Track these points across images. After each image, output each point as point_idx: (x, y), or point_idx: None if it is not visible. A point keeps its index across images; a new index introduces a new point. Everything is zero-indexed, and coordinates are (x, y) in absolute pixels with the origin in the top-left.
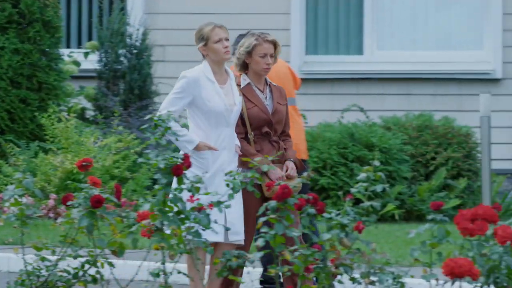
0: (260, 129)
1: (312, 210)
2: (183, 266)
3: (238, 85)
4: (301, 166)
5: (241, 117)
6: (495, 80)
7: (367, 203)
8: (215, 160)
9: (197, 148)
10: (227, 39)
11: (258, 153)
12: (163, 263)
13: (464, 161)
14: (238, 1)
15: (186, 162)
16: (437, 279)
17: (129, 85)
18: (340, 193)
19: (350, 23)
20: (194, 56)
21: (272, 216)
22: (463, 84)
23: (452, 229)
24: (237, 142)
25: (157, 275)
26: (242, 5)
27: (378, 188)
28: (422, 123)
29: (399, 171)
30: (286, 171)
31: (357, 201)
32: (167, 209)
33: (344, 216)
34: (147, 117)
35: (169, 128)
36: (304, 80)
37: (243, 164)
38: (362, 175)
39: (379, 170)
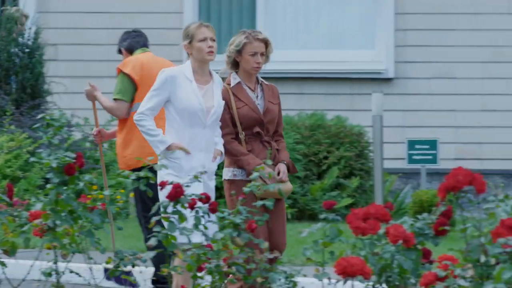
0: (251, 129)
1: (205, 209)
2: (75, 265)
3: (228, 84)
4: (293, 169)
5: (232, 117)
6: (387, 80)
7: (259, 202)
8: (189, 162)
9: (169, 149)
10: (212, 39)
11: (249, 153)
12: (55, 263)
13: (357, 160)
14: (131, 0)
15: (79, 162)
16: (329, 278)
17: (21, 84)
18: (233, 192)
19: (243, 23)
20: (86, 55)
21: (165, 215)
22: (356, 83)
23: (345, 228)
24: (219, 147)
25: (49, 274)
26: (135, 4)
27: (270, 187)
28: (314, 123)
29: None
30: (278, 174)
31: None
32: (59, 208)
33: (236, 215)
34: (39, 116)
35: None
36: None
37: (232, 163)
38: (255, 175)
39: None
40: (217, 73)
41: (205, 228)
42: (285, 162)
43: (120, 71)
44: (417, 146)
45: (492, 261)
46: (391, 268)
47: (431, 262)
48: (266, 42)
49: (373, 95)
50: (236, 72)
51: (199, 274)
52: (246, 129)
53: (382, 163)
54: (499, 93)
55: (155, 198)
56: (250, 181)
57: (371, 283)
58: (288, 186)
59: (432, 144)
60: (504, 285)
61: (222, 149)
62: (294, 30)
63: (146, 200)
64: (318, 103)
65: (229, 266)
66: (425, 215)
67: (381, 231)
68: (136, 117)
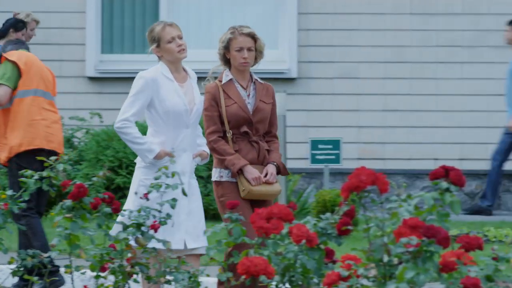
0: (239, 128)
1: (108, 209)
2: None
3: (220, 80)
4: (284, 170)
5: (220, 114)
6: (290, 80)
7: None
8: (175, 164)
9: (158, 157)
10: (180, 37)
11: (235, 153)
12: None
13: None
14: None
15: None
16: (232, 278)
17: None
18: (136, 192)
19: (146, 22)
20: None
21: (68, 215)
22: None
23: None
24: (205, 148)
25: None
26: (37, 3)
27: (174, 187)
28: None
29: (195, 169)
30: (265, 175)
31: None
32: None
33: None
34: None
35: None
36: (100, 79)
37: (219, 163)
38: (157, 174)
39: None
40: (198, 75)
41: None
42: (275, 164)
43: (5, 59)
44: (320, 146)
45: (395, 260)
46: (294, 268)
47: (334, 262)
48: (253, 37)
49: (276, 95)
50: (229, 69)
51: (102, 274)
52: (234, 128)
53: (285, 163)
54: (401, 93)
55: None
56: (236, 182)
57: (274, 283)
58: (275, 188)
59: (335, 144)
60: (406, 284)
61: (208, 150)
62: (197, 29)
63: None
64: None
65: (132, 266)
66: (328, 215)
67: (285, 231)
68: (119, 124)
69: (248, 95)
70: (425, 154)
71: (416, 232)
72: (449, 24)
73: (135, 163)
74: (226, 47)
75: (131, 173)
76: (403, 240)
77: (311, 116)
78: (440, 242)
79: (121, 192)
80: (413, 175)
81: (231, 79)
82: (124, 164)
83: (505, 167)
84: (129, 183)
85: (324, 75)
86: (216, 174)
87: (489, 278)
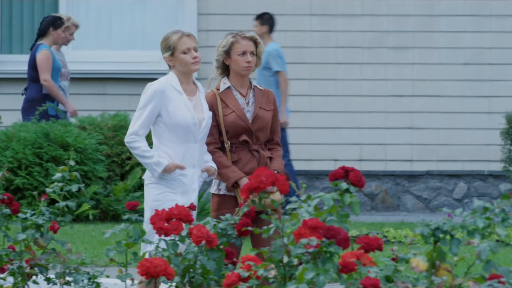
0: (238, 138)
1: (7, 211)
2: None
3: (218, 89)
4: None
5: (217, 124)
6: None
7: (62, 203)
8: (186, 179)
9: (166, 170)
10: (195, 49)
11: (232, 165)
12: None
13: None
14: None
15: None
16: (132, 279)
17: None
18: (35, 193)
19: None
20: None
21: None
22: None
23: None
24: (212, 164)
25: None
26: None
27: (74, 188)
28: (117, 123)
29: (94, 171)
30: None
31: (52, 201)
32: None
33: (39, 216)
34: None
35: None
36: None
37: (217, 176)
38: (58, 175)
39: (75, 170)
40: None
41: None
42: (276, 172)
43: None
44: None
45: (295, 261)
46: (194, 269)
47: (234, 263)
48: (255, 41)
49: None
50: (227, 77)
51: (1, 276)
52: (233, 138)
53: None
54: (301, 94)
55: None
56: (235, 196)
57: (174, 284)
58: (275, 197)
59: None
60: (306, 285)
61: (215, 166)
62: (97, 30)
63: None
64: (121, 104)
65: (32, 267)
66: (228, 215)
67: (185, 232)
68: (127, 139)
69: (248, 103)
70: (325, 155)
71: (316, 233)
72: (348, 25)
73: (35, 164)
74: (227, 52)
75: (30, 174)
76: (303, 241)
77: None
78: (339, 243)
79: (20, 193)
80: (313, 176)
81: (229, 87)
82: (23, 165)
83: (404, 168)
84: (29, 184)
85: None
86: (214, 186)
87: (388, 279)
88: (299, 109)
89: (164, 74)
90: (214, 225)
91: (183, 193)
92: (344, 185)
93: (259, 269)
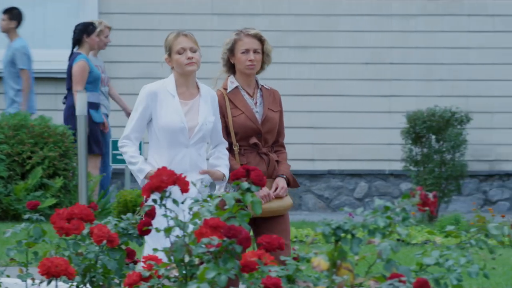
0: (247, 140)
1: None
2: None
3: (225, 88)
4: (294, 183)
5: (226, 126)
6: None
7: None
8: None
9: (149, 178)
10: (192, 50)
11: None
12: None
13: (61, 160)
14: None
15: None
16: (33, 279)
17: None
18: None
19: None
20: None
21: None
22: (60, 83)
23: (49, 228)
24: (223, 169)
25: None
26: None
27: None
28: (18, 122)
29: None
30: (276, 189)
31: None
32: None
33: None
34: None
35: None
36: None
37: (228, 179)
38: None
39: None
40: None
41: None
42: (285, 176)
43: None
44: None
45: (196, 261)
46: (95, 268)
47: (135, 262)
48: (259, 38)
49: (77, 95)
50: (234, 76)
51: None
52: (242, 140)
53: (86, 163)
54: None
55: None
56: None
57: (75, 283)
58: (286, 202)
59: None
60: (207, 284)
61: (226, 172)
62: None
63: None
64: None
65: None
66: (129, 215)
67: (86, 231)
68: (120, 143)
69: (256, 103)
70: None
71: (217, 232)
72: (249, 24)
73: None
74: (231, 50)
75: None
76: (204, 240)
77: (115, 116)
78: (241, 242)
79: None
80: None
81: (237, 87)
82: None
83: (306, 168)
84: None
85: (127, 75)
86: (221, 189)
87: (290, 278)
88: None
89: (58, 72)
90: (115, 224)
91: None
92: (245, 184)
93: (160, 269)
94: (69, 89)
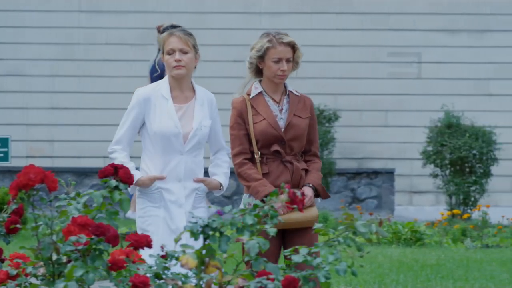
0: (269, 148)
1: None
2: None
3: (248, 94)
4: (324, 193)
5: (248, 133)
6: None
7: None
8: (168, 193)
9: (140, 184)
10: (183, 51)
11: (263, 179)
12: None
13: None
14: None
15: None
16: None
17: None
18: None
19: None
20: None
21: None
22: None
23: None
24: (220, 178)
25: None
26: None
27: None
28: None
29: None
30: None
31: None
32: None
33: None
34: None
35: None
36: None
37: (247, 189)
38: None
39: None
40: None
41: None
42: (311, 185)
43: None
44: None
45: (64, 259)
46: None
47: (2, 261)
48: (293, 46)
49: None
50: (260, 81)
51: None
52: (263, 148)
53: None
54: (69, 91)
55: None
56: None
57: None
58: (311, 213)
59: (4, 142)
60: (75, 282)
61: (223, 181)
62: None
63: None
64: None
65: None
66: None
67: None
68: (109, 149)
69: (281, 110)
70: (95, 152)
71: (85, 231)
72: (118, 22)
73: None
74: (261, 57)
75: None
76: (72, 238)
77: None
78: (109, 240)
79: None
80: (83, 173)
81: (260, 92)
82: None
83: None
84: None
85: None
86: (244, 201)
87: (158, 276)
88: (68, 106)
89: None
90: None
91: (166, 207)
92: (113, 182)
93: (28, 267)
94: None
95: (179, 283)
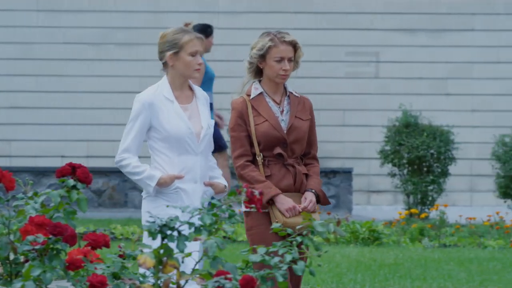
0: (272, 150)
1: None
2: None
3: (248, 95)
4: (324, 199)
5: (249, 135)
6: None
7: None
8: (186, 195)
9: (161, 184)
10: (201, 54)
11: (267, 180)
12: None
13: None
14: None
15: None
16: None
17: None
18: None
19: None
20: None
21: None
22: None
23: None
24: (221, 181)
25: None
26: None
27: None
28: None
29: None
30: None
31: None
32: None
33: None
34: None
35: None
36: None
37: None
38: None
39: None
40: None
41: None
42: (314, 191)
43: None
44: None
45: (21, 258)
46: None
47: None
48: (294, 45)
49: None
50: (260, 81)
51: None
52: (265, 150)
53: None
54: (27, 90)
55: None
56: (268, 213)
57: None
58: (314, 218)
59: None
60: (33, 282)
61: (226, 183)
62: None
63: None
64: None
65: None
66: None
67: None
68: (117, 158)
69: (282, 111)
70: (52, 152)
71: (43, 230)
72: (76, 21)
73: None
74: (263, 56)
75: None
76: (30, 238)
77: None
78: (66, 240)
79: None
80: (40, 173)
81: (261, 93)
82: None
83: None
84: None
85: None
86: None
87: (115, 275)
88: (26, 105)
89: None
90: None
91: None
92: (71, 181)
93: None
94: None
95: (137, 282)
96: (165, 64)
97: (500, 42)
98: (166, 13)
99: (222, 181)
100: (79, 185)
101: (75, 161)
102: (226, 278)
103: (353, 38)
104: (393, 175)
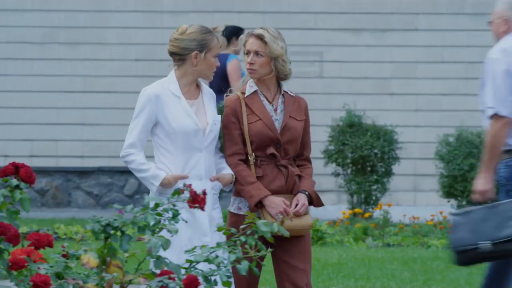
0: (264, 150)
1: None
2: None
3: (242, 92)
4: (317, 201)
5: (242, 133)
6: None
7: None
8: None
9: (165, 184)
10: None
11: (257, 182)
12: None
13: None
14: None
15: None
16: None
17: None
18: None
19: None
20: None
21: None
22: None
23: None
24: (229, 171)
25: None
26: None
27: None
28: None
29: None
30: (296, 206)
31: None
32: None
33: None
34: None
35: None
36: None
37: (237, 192)
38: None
39: None
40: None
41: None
42: (307, 193)
43: None
44: None
45: None
46: None
47: None
48: (262, 39)
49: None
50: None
51: None
52: (258, 150)
53: None
54: None
55: None
56: (258, 217)
57: None
58: (306, 221)
59: None
60: None
61: (231, 171)
62: None
63: None
64: None
65: None
66: None
67: None
68: (123, 153)
69: (275, 110)
70: None
71: None
72: (19, 20)
73: None
74: (247, 52)
75: None
76: None
77: None
78: (10, 240)
79: None
80: None
81: (255, 91)
82: None
83: (76, 165)
84: None
85: None
86: (234, 204)
87: (59, 275)
88: None
89: None
90: None
91: (188, 208)
92: (14, 181)
93: None
94: (218, 90)
95: (80, 282)
96: (180, 59)
97: (444, 42)
98: (109, 13)
99: (228, 170)
100: (22, 185)
101: (18, 160)
102: (169, 278)
103: (297, 38)
104: (337, 174)
